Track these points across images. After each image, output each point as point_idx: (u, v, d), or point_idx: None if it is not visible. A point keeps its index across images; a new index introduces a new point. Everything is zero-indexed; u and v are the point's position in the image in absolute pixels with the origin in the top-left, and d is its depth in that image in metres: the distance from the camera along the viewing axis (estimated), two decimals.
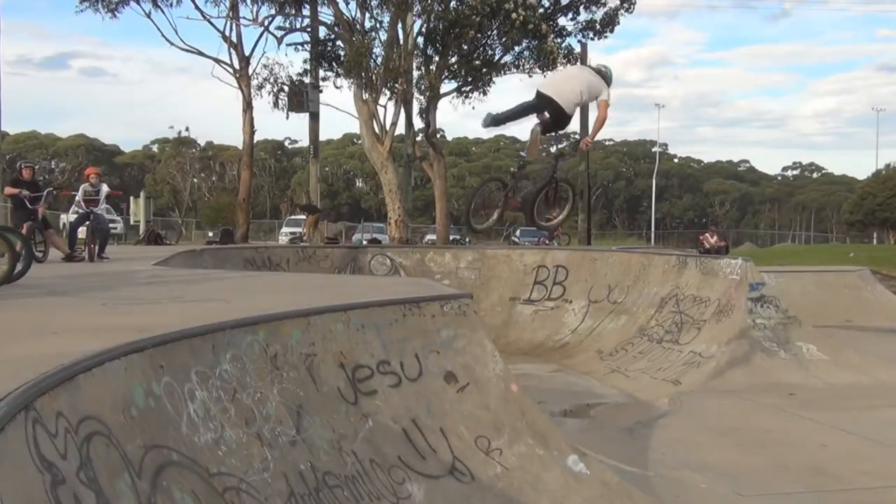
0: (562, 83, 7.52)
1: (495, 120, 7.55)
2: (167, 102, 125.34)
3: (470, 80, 24.63)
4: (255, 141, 27.87)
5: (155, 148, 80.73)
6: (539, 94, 7.34)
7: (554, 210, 8.07)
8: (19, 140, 71.11)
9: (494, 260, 18.17)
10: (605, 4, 24.50)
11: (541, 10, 23.72)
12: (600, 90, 7.40)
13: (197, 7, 25.44)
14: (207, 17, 25.61)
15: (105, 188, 13.39)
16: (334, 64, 25.50)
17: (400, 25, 23.53)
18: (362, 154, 45.86)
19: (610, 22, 24.70)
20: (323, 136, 39.62)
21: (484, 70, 24.50)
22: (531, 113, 7.44)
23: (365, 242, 25.45)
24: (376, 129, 23.61)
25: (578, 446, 6.56)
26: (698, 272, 13.96)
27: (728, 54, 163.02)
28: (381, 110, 23.86)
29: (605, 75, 7.49)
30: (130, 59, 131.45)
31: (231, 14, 25.63)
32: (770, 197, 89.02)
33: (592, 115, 8.50)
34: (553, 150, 7.07)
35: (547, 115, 7.29)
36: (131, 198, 36.46)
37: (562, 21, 24.97)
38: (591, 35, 25.10)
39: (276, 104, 26.19)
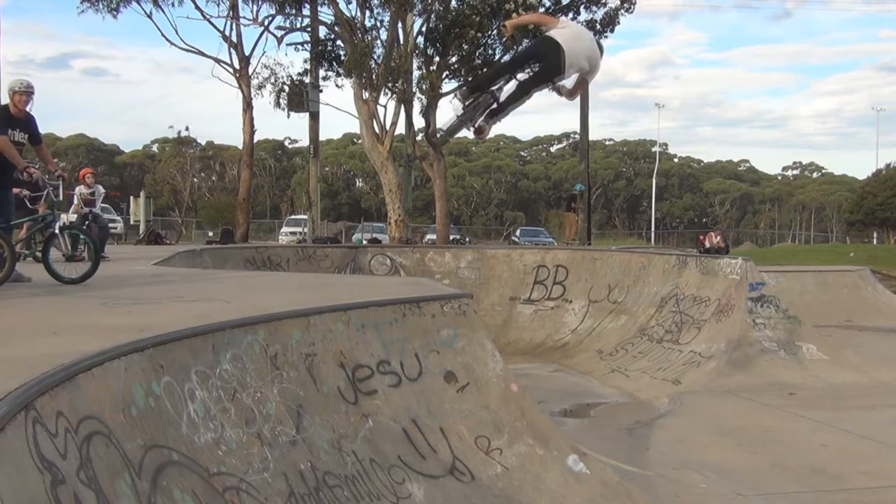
0: (576, 40, 6.91)
1: (476, 86, 7.12)
2: (168, 102, 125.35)
3: (470, 79, 24.66)
4: (255, 141, 27.89)
5: (155, 148, 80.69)
6: (547, 41, 6.77)
7: None
8: None
9: (494, 260, 18.16)
10: (605, 4, 24.52)
11: (541, 10, 23.75)
12: (592, 67, 6.95)
13: (197, 7, 25.48)
14: (207, 16, 25.66)
15: (101, 189, 13.46)
16: (334, 63, 25.51)
17: (400, 25, 23.53)
18: (362, 154, 45.86)
19: (610, 22, 24.70)
20: (323, 136, 39.66)
21: (484, 70, 24.52)
22: (522, 66, 6.88)
23: (365, 242, 25.44)
24: (376, 129, 23.60)
25: (578, 446, 6.56)
26: (698, 272, 13.96)
27: (729, 55, 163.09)
28: (381, 110, 23.88)
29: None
30: (132, 59, 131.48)
31: (231, 14, 25.66)
32: (770, 197, 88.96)
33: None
34: None
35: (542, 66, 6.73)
36: (131, 197, 36.42)
37: None
38: None
39: (277, 104, 26.23)
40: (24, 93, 7.47)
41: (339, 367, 5.66)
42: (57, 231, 7.80)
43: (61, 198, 8.21)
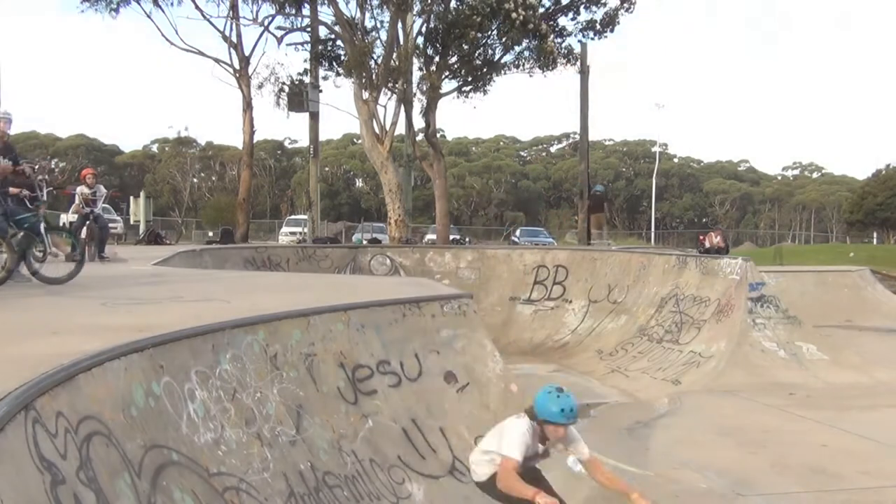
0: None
1: None
2: (167, 102, 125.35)
3: (470, 79, 24.64)
4: (255, 141, 27.87)
5: (155, 148, 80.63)
6: None
7: None
8: (19, 140, 71.06)
9: (494, 260, 18.17)
10: (605, 4, 24.52)
11: (541, 10, 23.75)
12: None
13: (197, 7, 25.44)
14: (207, 16, 25.61)
15: (102, 189, 13.47)
16: (334, 63, 25.49)
17: (400, 25, 23.51)
18: (362, 154, 45.84)
19: (610, 22, 24.72)
20: (323, 136, 39.64)
21: (484, 70, 24.51)
22: None
23: (365, 242, 25.43)
24: (376, 129, 23.58)
25: None
26: (698, 272, 13.96)
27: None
28: (381, 110, 23.85)
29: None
30: (132, 58, 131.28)
31: (231, 14, 25.63)
32: (770, 197, 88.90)
33: None
34: None
35: None
36: (131, 197, 36.39)
37: (562, 21, 25.03)
38: (591, 35, 25.16)
39: (276, 104, 26.23)
40: (4, 119, 7.82)
41: (339, 367, 5.66)
42: (42, 231, 7.96)
43: (45, 198, 8.47)
